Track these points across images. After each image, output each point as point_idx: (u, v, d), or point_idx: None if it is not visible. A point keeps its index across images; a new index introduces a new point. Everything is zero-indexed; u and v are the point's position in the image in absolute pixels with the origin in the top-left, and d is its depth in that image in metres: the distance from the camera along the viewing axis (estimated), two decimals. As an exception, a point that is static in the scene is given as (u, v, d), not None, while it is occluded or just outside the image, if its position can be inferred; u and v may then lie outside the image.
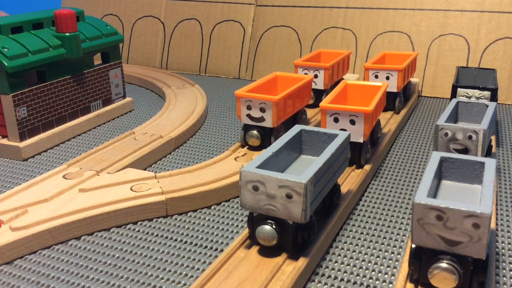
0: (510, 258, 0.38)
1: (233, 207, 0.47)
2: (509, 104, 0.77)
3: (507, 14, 0.79)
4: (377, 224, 0.43)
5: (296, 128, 0.43)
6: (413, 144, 0.61)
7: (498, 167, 0.54)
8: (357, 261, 0.38)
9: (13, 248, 0.39)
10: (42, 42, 0.60)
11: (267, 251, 0.36)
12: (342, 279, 0.36)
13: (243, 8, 0.95)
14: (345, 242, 0.41)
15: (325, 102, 0.50)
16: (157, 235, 0.42)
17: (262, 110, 0.53)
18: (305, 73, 0.67)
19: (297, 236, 0.36)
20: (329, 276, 0.37)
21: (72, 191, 0.46)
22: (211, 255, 0.39)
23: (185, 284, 0.36)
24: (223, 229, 0.43)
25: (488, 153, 0.50)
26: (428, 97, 0.82)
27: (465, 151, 0.46)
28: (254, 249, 0.37)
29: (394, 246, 0.40)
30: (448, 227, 0.31)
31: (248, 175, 0.35)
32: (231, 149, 0.55)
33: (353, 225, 0.43)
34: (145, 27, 1.02)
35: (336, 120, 0.49)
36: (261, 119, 0.53)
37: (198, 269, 0.38)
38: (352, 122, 0.48)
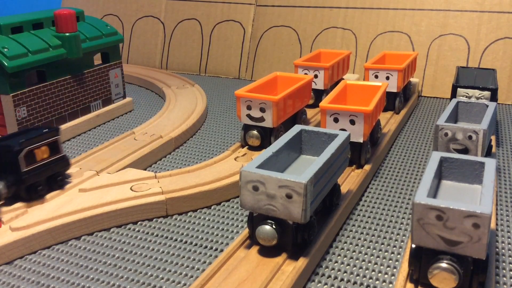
0: (510, 258, 0.38)
1: (233, 207, 0.47)
2: (509, 104, 0.77)
3: (507, 14, 0.79)
4: (377, 224, 0.43)
5: (296, 128, 0.43)
6: (413, 144, 0.61)
7: (498, 167, 0.54)
8: (357, 261, 0.38)
9: (13, 248, 0.39)
10: (42, 42, 0.60)
11: (267, 251, 0.36)
12: (342, 279, 0.36)
13: (243, 8, 0.95)
14: (345, 242, 0.41)
15: (325, 102, 0.50)
16: (157, 235, 0.42)
17: (262, 110, 0.53)
18: (305, 73, 0.67)
19: (297, 236, 0.36)
20: (329, 276, 0.37)
21: (72, 191, 0.46)
22: (211, 255, 0.39)
23: (185, 284, 0.36)
24: (223, 229, 0.43)
25: (488, 153, 0.50)
26: (428, 97, 0.82)
27: (465, 151, 0.45)
28: (254, 249, 0.37)
29: (394, 246, 0.40)
30: (448, 227, 0.31)
31: (248, 175, 0.35)
32: (231, 149, 0.55)
33: (353, 225, 0.43)
34: (145, 27, 1.02)
35: (336, 120, 0.49)
36: (261, 119, 0.53)
37: (198, 269, 0.38)
38: (352, 122, 0.48)
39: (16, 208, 0.43)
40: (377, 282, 0.36)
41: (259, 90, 0.56)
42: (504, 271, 0.37)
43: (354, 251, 0.39)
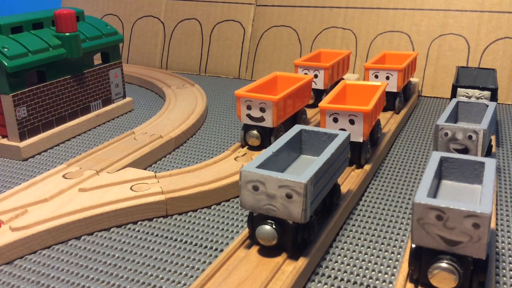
0: (510, 258, 0.38)
1: (233, 207, 0.47)
2: (509, 104, 0.77)
3: (507, 14, 0.79)
4: (377, 224, 0.43)
5: (296, 128, 0.43)
6: (413, 144, 0.61)
7: (498, 167, 0.54)
8: (357, 261, 0.38)
9: (13, 248, 0.39)
10: (42, 42, 0.60)
11: (267, 251, 0.36)
12: (342, 279, 0.36)
13: (243, 8, 0.95)
14: (345, 242, 0.41)
15: (324, 102, 0.50)
16: (157, 235, 0.42)
17: (262, 110, 0.53)
18: (305, 73, 0.67)
19: (297, 236, 0.36)
20: (329, 276, 0.37)
21: (72, 190, 0.46)
22: (211, 255, 0.39)
23: (185, 284, 0.36)
24: (223, 229, 0.43)
25: (488, 153, 0.50)
26: (428, 97, 0.82)
27: (465, 151, 0.45)
28: (254, 249, 0.37)
29: (394, 246, 0.40)
30: (448, 227, 0.31)
31: (248, 175, 0.35)
32: (231, 149, 0.55)
33: (353, 225, 0.43)
34: (145, 27, 1.02)
35: (335, 120, 0.49)
36: (261, 119, 0.53)
37: (198, 269, 0.38)
38: (352, 122, 0.48)
39: (16, 208, 0.43)
40: (377, 282, 0.36)
41: (259, 90, 0.56)
42: (504, 271, 0.37)
43: (354, 251, 0.39)
